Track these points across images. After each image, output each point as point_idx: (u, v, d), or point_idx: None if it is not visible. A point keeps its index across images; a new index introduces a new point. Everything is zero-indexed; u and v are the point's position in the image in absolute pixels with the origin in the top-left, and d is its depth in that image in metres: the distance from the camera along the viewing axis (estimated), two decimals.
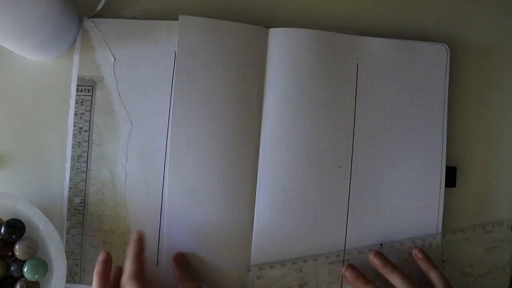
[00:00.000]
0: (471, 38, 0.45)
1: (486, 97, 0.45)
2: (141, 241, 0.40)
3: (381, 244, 0.43)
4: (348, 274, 0.42)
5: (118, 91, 0.43)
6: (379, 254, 0.42)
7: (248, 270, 0.42)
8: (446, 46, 0.44)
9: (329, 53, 0.43)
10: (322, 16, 0.45)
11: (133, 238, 0.40)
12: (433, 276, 0.40)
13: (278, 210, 0.42)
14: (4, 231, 0.39)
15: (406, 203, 0.43)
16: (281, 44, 0.43)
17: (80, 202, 0.42)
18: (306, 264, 0.42)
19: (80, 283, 0.42)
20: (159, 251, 0.42)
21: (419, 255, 0.41)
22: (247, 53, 0.43)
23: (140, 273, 0.38)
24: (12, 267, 0.39)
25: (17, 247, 0.39)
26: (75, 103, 0.43)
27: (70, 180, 0.43)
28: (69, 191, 0.43)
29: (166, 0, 0.44)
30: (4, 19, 0.33)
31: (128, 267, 0.38)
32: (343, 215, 0.43)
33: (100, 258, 0.39)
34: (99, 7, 0.43)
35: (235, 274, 0.42)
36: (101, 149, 0.43)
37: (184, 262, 0.41)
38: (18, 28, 0.36)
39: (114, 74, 0.43)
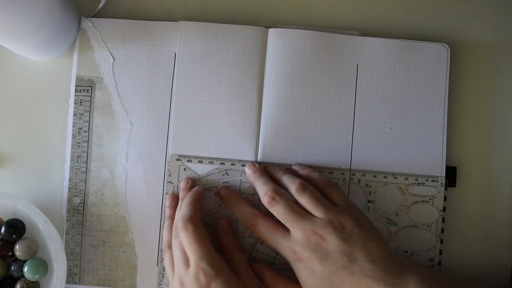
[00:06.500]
0: (471, 38, 0.45)
1: (486, 97, 0.45)
2: (200, 193, 0.40)
3: None
4: (247, 170, 0.41)
5: (117, 91, 0.43)
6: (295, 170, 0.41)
7: None
8: (446, 46, 0.44)
9: (329, 53, 0.43)
10: (322, 16, 0.45)
11: (194, 189, 0.40)
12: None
13: None
14: (4, 231, 0.39)
15: None
16: (281, 44, 0.43)
17: (80, 202, 0.42)
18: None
19: (79, 284, 0.42)
20: (159, 251, 0.42)
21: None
22: (247, 53, 0.43)
23: (196, 217, 0.37)
24: (12, 267, 0.39)
25: (17, 247, 0.39)
26: (74, 103, 0.43)
27: (70, 180, 0.43)
28: (68, 191, 0.43)
29: (166, 0, 0.44)
30: (4, 19, 0.33)
31: (184, 210, 0.38)
32: None
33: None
34: (99, 7, 0.43)
35: None
36: (101, 149, 0.43)
37: (232, 229, 0.41)
38: (18, 28, 0.35)
39: (114, 75, 0.43)
